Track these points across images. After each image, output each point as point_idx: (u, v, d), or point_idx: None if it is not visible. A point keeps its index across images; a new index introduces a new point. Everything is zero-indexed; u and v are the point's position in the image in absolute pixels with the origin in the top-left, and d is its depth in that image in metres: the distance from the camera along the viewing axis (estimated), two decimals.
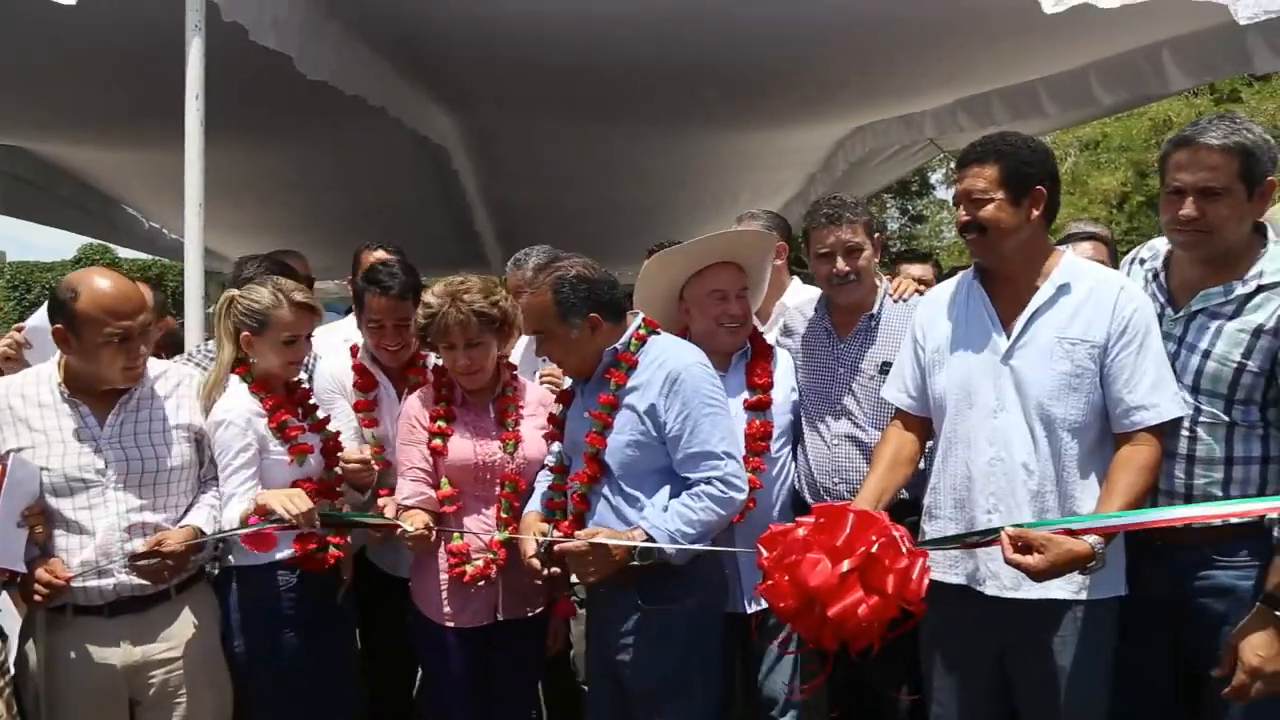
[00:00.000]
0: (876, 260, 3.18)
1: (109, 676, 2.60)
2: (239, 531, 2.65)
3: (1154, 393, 2.35)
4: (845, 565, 2.17)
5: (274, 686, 2.81)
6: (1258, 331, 2.32)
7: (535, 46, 4.38)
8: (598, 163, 6.94)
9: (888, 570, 2.18)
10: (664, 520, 2.57)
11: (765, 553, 2.31)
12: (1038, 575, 2.18)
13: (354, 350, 3.32)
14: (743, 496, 2.64)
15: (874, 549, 2.19)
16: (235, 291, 2.89)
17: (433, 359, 3.20)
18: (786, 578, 2.23)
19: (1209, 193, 2.31)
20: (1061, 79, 5.07)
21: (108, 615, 2.60)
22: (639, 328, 2.76)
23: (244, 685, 2.81)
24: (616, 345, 2.73)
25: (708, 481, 2.60)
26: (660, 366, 2.67)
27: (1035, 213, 2.46)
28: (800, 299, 3.48)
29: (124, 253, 18.57)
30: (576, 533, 2.66)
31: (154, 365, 2.78)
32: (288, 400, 2.94)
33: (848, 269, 3.04)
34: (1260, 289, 2.34)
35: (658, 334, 2.79)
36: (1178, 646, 2.36)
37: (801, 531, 2.27)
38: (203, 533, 2.66)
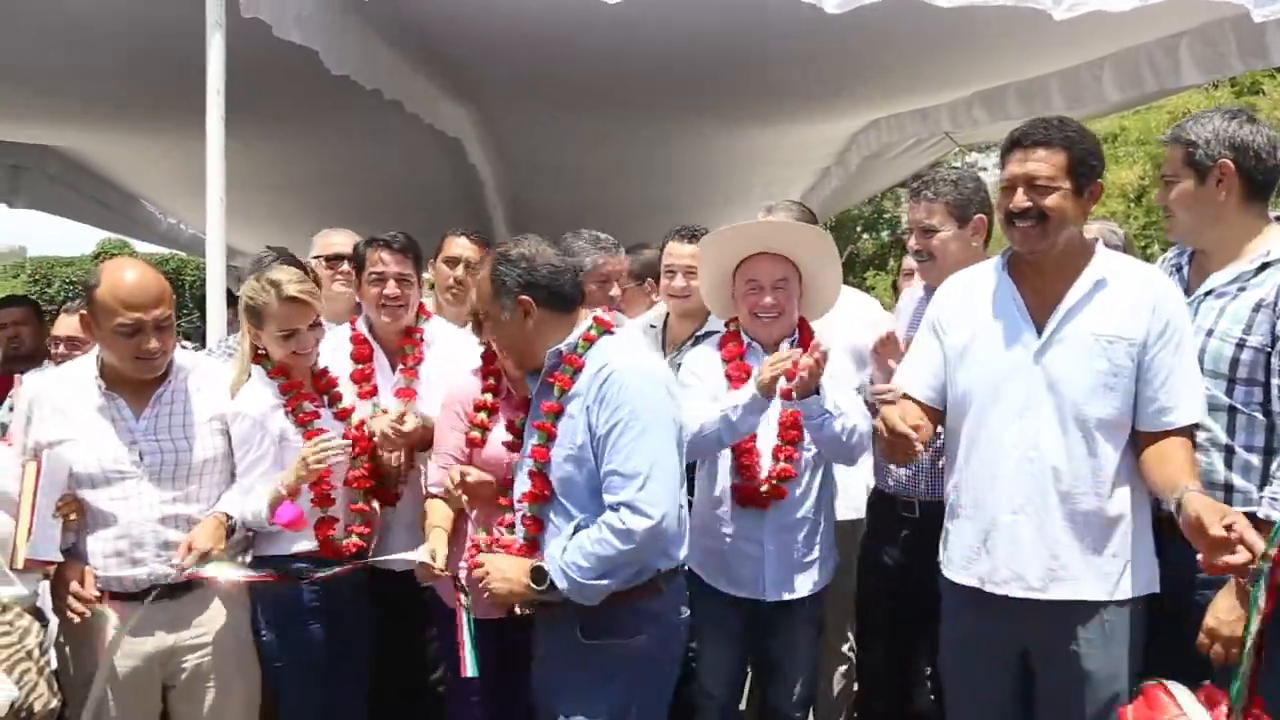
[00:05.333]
0: (979, 239, 3.05)
1: (142, 660, 2.65)
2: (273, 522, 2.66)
3: (1188, 393, 2.30)
4: None
5: (299, 676, 2.85)
6: (1258, 306, 2.30)
7: (549, 42, 4.39)
8: (610, 158, 6.95)
9: None
10: (560, 552, 2.34)
11: None
12: None
13: (352, 321, 3.37)
14: (647, 525, 2.26)
15: None
16: (246, 285, 2.91)
17: (424, 329, 3.29)
18: None
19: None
20: (1077, 72, 5.04)
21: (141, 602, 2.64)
22: (590, 328, 2.45)
23: (270, 674, 2.86)
24: (561, 346, 2.43)
25: (614, 508, 2.31)
26: (599, 371, 2.37)
27: (1091, 207, 2.39)
28: None
29: (141, 247, 18.75)
30: (478, 557, 2.53)
31: (186, 358, 2.81)
32: (312, 384, 2.94)
33: (918, 247, 3.09)
34: (1265, 265, 2.33)
35: (610, 334, 2.49)
36: (1182, 640, 2.32)
37: None
38: (229, 516, 2.69)
